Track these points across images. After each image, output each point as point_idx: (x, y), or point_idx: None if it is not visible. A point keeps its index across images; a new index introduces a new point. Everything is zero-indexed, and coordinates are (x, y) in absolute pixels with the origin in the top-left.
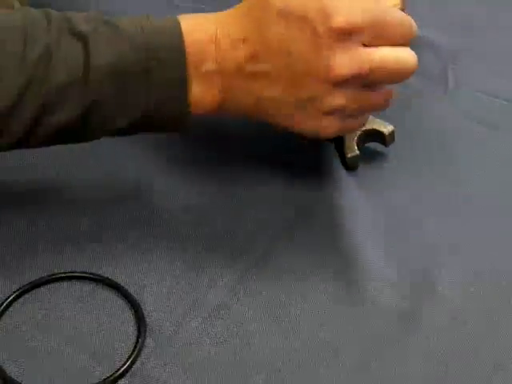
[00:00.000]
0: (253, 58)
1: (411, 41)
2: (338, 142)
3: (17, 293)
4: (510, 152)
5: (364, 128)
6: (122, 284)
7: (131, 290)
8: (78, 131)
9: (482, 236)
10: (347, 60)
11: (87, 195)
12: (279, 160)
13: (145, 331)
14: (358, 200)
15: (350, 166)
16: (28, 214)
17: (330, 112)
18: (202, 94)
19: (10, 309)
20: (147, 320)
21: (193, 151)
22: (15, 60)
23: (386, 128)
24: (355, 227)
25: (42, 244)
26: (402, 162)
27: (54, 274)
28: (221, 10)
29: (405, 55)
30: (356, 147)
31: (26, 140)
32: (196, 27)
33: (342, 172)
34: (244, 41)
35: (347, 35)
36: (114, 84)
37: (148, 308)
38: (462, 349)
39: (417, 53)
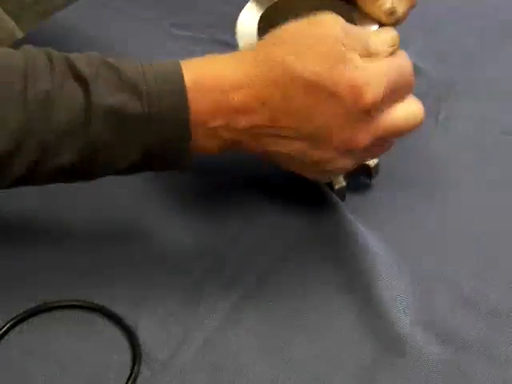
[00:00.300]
0: (271, 122)
1: None
2: None
3: (12, 322)
4: (502, 182)
5: None
6: (117, 312)
7: (126, 318)
8: (78, 172)
9: (472, 264)
10: (367, 132)
11: (82, 225)
12: (273, 186)
13: (140, 359)
14: (352, 227)
15: (338, 197)
16: (24, 243)
17: (336, 170)
18: (205, 143)
19: (6, 338)
20: (142, 348)
21: (189, 178)
22: (16, 103)
23: (372, 160)
24: (350, 256)
25: (38, 273)
26: (391, 191)
27: (49, 303)
28: (218, 39)
29: (413, 110)
30: (342, 178)
31: (26, 180)
32: (204, 81)
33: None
34: (263, 104)
35: (373, 110)
36: (114, 128)
37: (143, 336)
38: None
39: None
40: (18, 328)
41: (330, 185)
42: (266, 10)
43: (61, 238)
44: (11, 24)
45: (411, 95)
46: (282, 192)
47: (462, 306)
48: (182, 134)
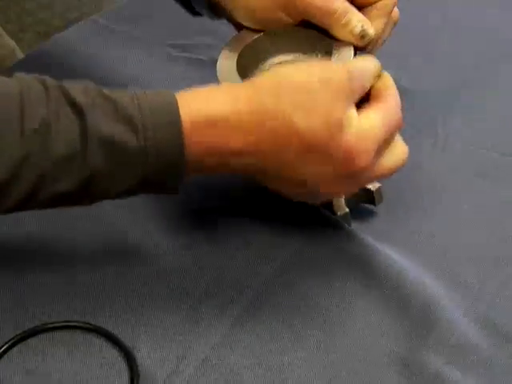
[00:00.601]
0: (263, 165)
1: (400, 92)
2: (326, 202)
3: (10, 342)
4: (503, 203)
5: None
6: (115, 333)
7: (124, 338)
8: (75, 198)
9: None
10: (353, 186)
11: (81, 247)
12: (271, 206)
13: (138, 380)
14: (353, 249)
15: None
16: (23, 264)
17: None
18: (200, 169)
19: (4, 358)
20: (140, 368)
21: (188, 200)
22: (12, 132)
23: (372, 184)
24: (349, 276)
25: (36, 295)
26: (390, 215)
27: (46, 324)
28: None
29: (398, 154)
30: (345, 206)
31: (24, 207)
32: (200, 124)
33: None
34: (258, 151)
35: (359, 173)
36: (110, 158)
37: (141, 356)
38: None
39: (406, 104)
40: (16, 348)
41: (333, 213)
42: (243, 49)
43: (59, 260)
44: (12, 43)
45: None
46: (280, 211)
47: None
48: (177, 165)
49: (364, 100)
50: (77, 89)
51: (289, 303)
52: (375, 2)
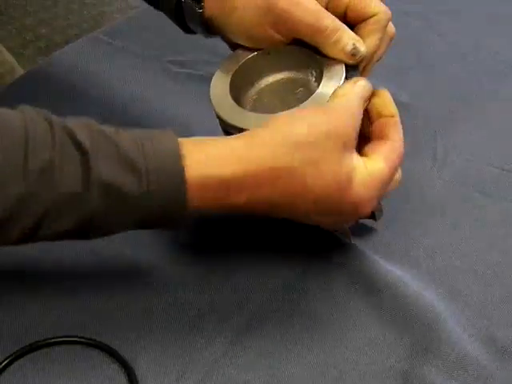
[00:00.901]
0: (270, 213)
1: (400, 107)
2: None
3: (11, 358)
4: (503, 218)
5: None
6: (116, 348)
7: (124, 353)
8: (75, 236)
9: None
10: (354, 219)
11: (82, 264)
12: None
13: None
14: (354, 264)
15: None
16: (23, 282)
17: None
18: (203, 211)
19: (4, 374)
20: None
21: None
22: (16, 171)
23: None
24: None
25: (37, 311)
26: (390, 230)
27: (47, 339)
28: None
29: (395, 183)
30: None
31: (25, 242)
32: (206, 179)
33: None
34: (265, 203)
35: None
36: (112, 201)
37: (141, 372)
38: None
39: (406, 119)
40: (17, 363)
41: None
42: (237, 69)
43: (59, 275)
44: (11, 59)
45: None
46: (282, 229)
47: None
48: (178, 212)
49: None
50: (80, 129)
51: (290, 319)
52: (368, 18)
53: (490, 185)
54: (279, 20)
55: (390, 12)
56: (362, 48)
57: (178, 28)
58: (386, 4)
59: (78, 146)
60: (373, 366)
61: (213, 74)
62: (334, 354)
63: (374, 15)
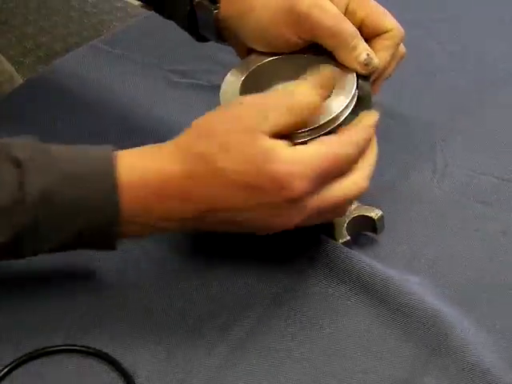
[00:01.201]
0: (199, 218)
1: (399, 117)
2: (327, 229)
3: (9, 367)
4: (504, 228)
5: (352, 216)
6: (116, 357)
7: (124, 362)
8: (10, 251)
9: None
10: (298, 216)
11: (80, 271)
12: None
13: None
14: (353, 271)
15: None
16: (22, 289)
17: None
18: (134, 230)
19: (4, 382)
20: None
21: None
22: None
23: (374, 212)
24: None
25: (35, 317)
26: (391, 241)
27: (46, 348)
28: (217, 84)
29: (349, 188)
30: (346, 233)
31: None
32: (133, 182)
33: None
34: (188, 200)
35: (299, 199)
36: (46, 211)
37: (141, 380)
38: None
39: (406, 130)
40: (16, 372)
41: (335, 240)
42: (248, 74)
43: (59, 283)
44: (10, 68)
45: (355, 168)
46: (280, 235)
47: None
48: (111, 220)
49: None
50: (17, 144)
51: (291, 326)
52: (382, 34)
53: (490, 195)
54: (298, 21)
55: (403, 30)
56: (376, 60)
57: (178, 37)
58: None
59: (12, 156)
60: (371, 374)
61: (213, 83)
62: (332, 362)
63: (388, 31)
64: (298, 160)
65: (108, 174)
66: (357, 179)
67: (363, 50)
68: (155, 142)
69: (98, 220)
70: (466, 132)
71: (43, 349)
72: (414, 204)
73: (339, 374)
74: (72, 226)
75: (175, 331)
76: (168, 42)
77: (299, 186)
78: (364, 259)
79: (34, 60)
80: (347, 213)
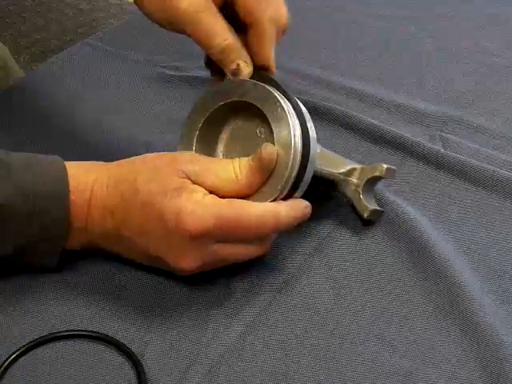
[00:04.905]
0: (116, 231)
1: (399, 111)
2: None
3: (17, 353)
4: (505, 218)
5: (361, 185)
6: (123, 341)
7: (132, 346)
8: None
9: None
10: (193, 257)
11: (88, 257)
12: None
13: None
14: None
15: (372, 221)
16: (29, 275)
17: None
18: (73, 242)
19: (12, 368)
20: (148, 376)
21: None
22: None
23: (378, 170)
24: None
25: (42, 304)
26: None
27: (53, 333)
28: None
29: (253, 253)
30: (366, 204)
31: None
32: (78, 189)
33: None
34: (111, 214)
35: (198, 238)
36: None
37: (149, 364)
38: None
39: (405, 122)
40: (23, 358)
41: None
42: (203, 124)
43: (68, 270)
44: (12, 63)
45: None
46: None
47: None
48: (57, 232)
49: None
50: None
51: (298, 313)
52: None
53: (490, 185)
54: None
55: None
56: (247, 70)
57: (173, 33)
58: (384, 7)
59: None
60: (376, 361)
61: (209, 77)
62: (339, 348)
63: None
64: (206, 206)
65: (59, 177)
66: (257, 248)
67: (235, 60)
68: (152, 138)
69: (45, 236)
70: (465, 124)
71: (51, 334)
72: (415, 198)
73: (345, 360)
74: (16, 237)
75: (183, 316)
76: (163, 38)
77: (196, 225)
78: (371, 245)
79: (29, 57)
80: (354, 186)
